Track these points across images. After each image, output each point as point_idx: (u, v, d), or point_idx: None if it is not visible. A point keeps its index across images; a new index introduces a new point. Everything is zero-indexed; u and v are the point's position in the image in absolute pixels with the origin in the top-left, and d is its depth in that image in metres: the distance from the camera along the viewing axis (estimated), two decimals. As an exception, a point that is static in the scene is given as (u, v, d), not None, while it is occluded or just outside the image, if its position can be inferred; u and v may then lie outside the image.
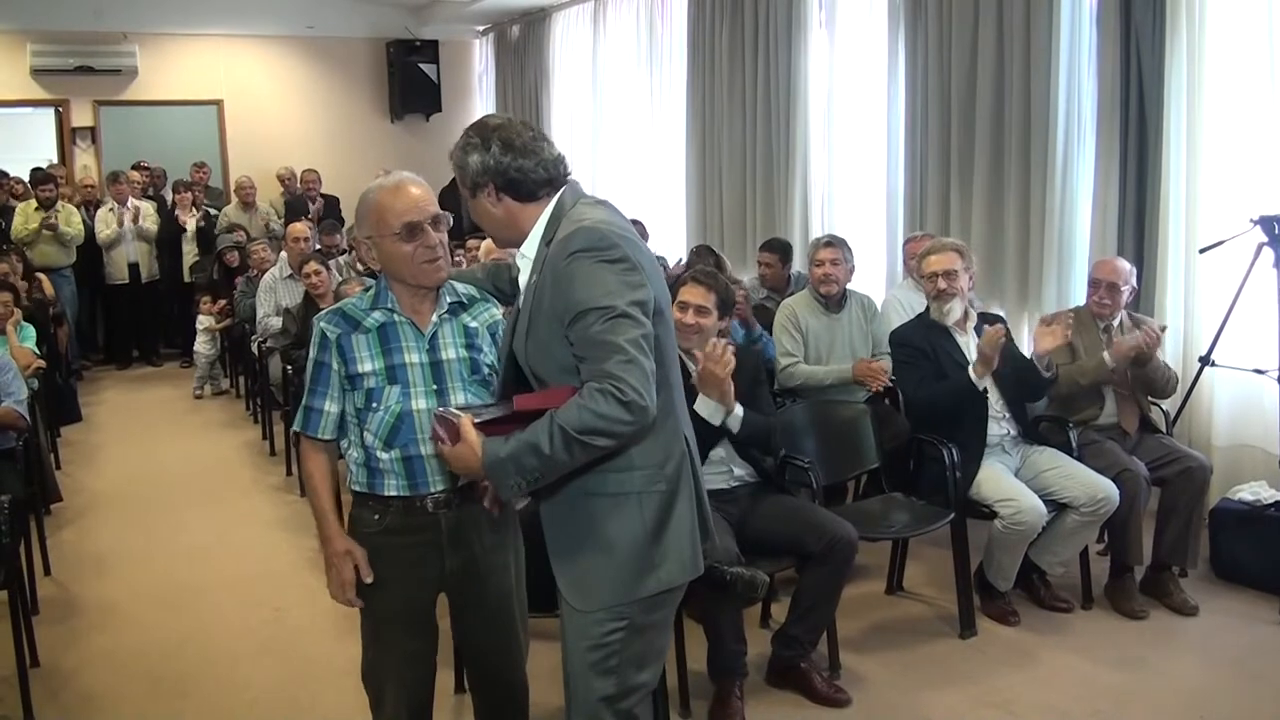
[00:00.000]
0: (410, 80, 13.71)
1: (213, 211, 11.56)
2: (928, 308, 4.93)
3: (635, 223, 8.06)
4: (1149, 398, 5.11)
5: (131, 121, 12.84)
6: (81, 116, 12.66)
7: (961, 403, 4.65)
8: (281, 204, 12.05)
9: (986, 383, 4.64)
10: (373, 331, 2.85)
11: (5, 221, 10.44)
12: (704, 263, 6.58)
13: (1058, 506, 4.59)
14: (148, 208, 11.09)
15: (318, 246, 8.59)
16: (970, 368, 4.64)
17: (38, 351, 6.86)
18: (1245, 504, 4.97)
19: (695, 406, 3.80)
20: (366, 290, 2.94)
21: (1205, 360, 5.23)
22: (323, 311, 2.98)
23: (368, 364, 2.83)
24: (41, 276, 9.24)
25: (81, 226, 10.59)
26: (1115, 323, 5.07)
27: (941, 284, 4.79)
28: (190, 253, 11.30)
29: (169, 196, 11.81)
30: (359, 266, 8.06)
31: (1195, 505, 4.78)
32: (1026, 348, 5.16)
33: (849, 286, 5.77)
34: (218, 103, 13.29)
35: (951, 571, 4.68)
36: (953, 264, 4.79)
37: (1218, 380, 5.45)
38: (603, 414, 2.27)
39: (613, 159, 11.42)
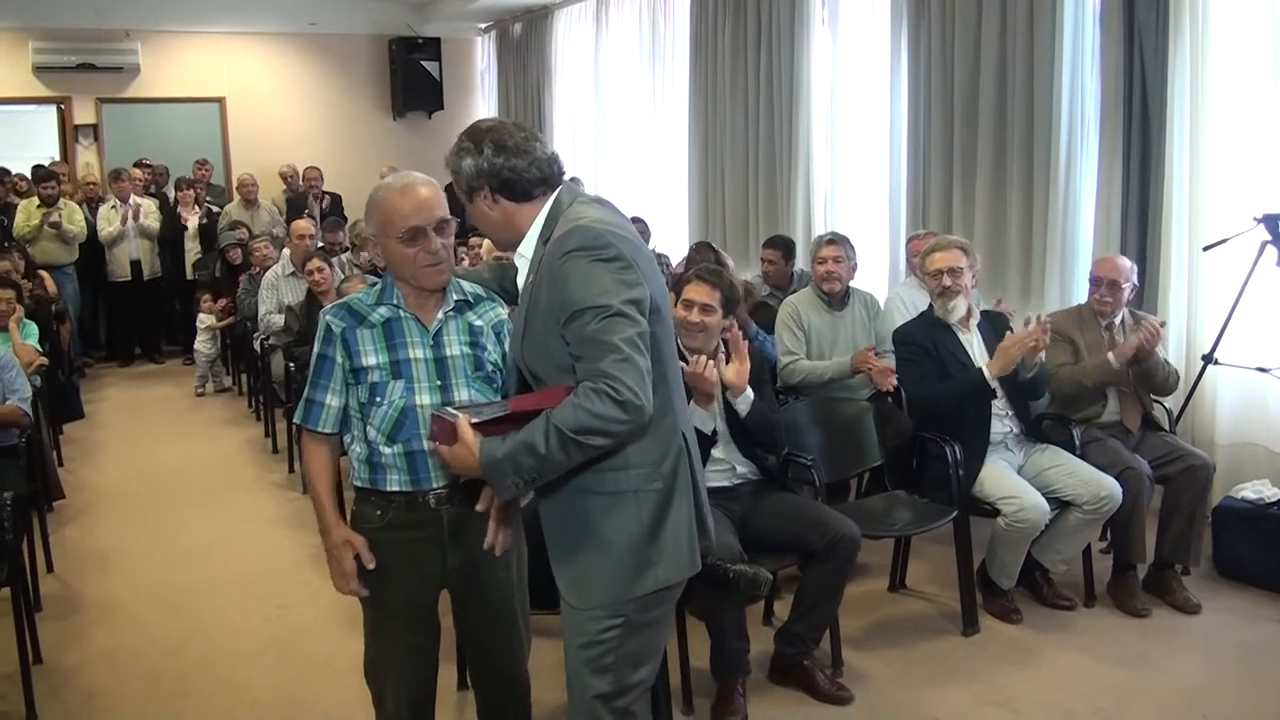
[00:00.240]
0: (412, 78, 13.72)
1: (215, 209, 11.56)
2: (931, 305, 4.92)
3: (637, 220, 8.12)
4: (1151, 395, 5.10)
5: (134, 119, 12.85)
6: (84, 114, 12.68)
7: (969, 400, 4.65)
8: (283, 201, 12.05)
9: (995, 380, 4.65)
10: (378, 326, 2.86)
11: (7, 219, 10.45)
12: (705, 259, 6.59)
13: (1060, 504, 4.59)
14: (149, 205, 11.10)
15: (320, 244, 8.58)
16: (985, 366, 4.64)
17: (40, 349, 6.86)
18: (1248, 502, 4.97)
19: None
20: (373, 285, 2.96)
21: (1208, 358, 5.22)
22: (329, 305, 2.98)
23: (372, 358, 2.84)
24: (44, 274, 9.25)
25: (84, 224, 10.59)
26: (1117, 321, 5.07)
27: (946, 281, 4.78)
28: (192, 250, 11.30)
29: (171, 194, 11.80)
30: (360, 264, 8.08)
31: (1198, 503, 4.77)
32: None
33: (852, 284, 5.77)
34: (220, 100, 13.32)
35: (954, 569, 4.68)
36: (957, 261, 4.79)
37: (1221, 378, 5.44)
38: (598, 413, 2.28)
39: (615, 157, 11.42)
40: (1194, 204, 5.60)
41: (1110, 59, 5.94)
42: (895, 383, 5.26)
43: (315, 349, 2.90)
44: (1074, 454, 4.73)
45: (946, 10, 6.94)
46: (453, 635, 3.17)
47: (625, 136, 11.19)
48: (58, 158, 12.46)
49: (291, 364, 6.98)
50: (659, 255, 7.95)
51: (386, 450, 2.84)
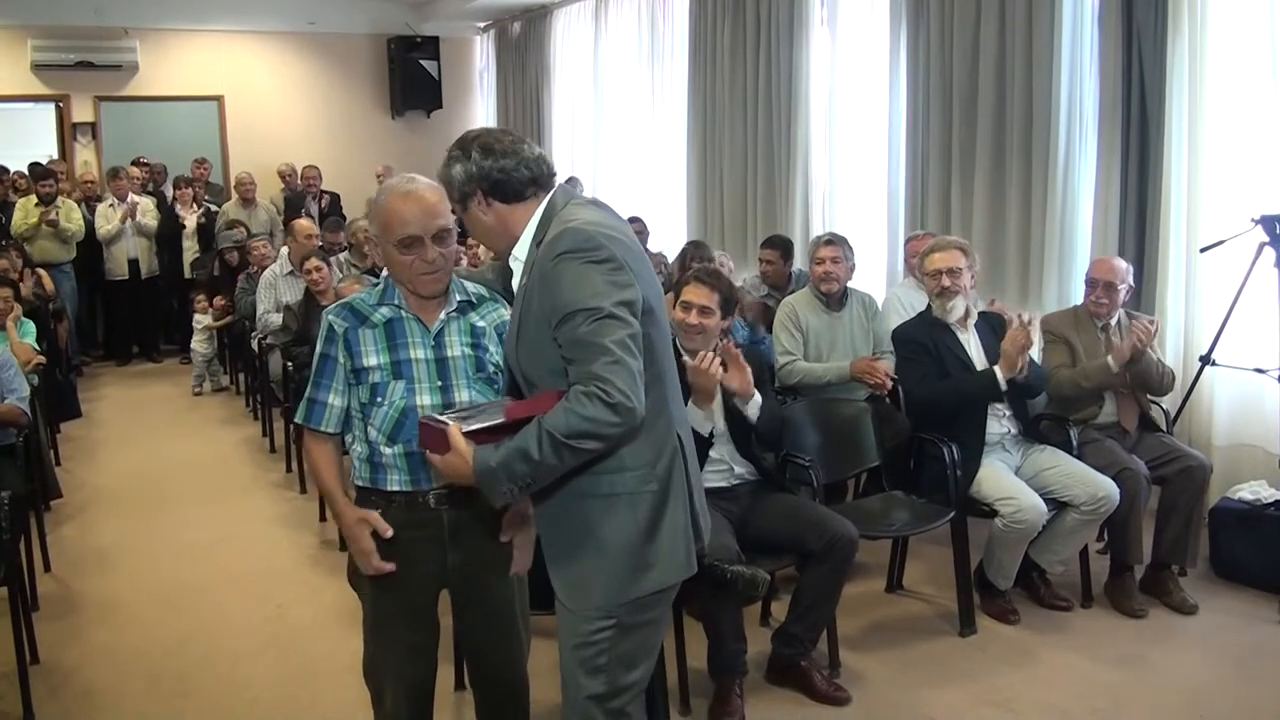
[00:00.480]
0: (411, 76, 13.72)
1: (213, 208, 11.55)
2: (929, 305, 4.93)
3: (635, 220, 8.14)
4: (1147, 395, 5.11)
5: (132, 117, 12.84)
6: (82, 112, 12.67)
7: (977, 400, 4.66)
8: (282, 200, 12.05)
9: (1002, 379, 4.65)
10: (379, 326, 2.87)
11: (5, 217, 10.44)
12: (699, 258, 6.60)
13: (1058, 505, 4.60)
14: (147, 203, 11.09)
15: (320, 244, 8.57)
16: (995, 367, 4.64)
17: (38, 347, 6.85)
18: (1245, 503, 4.97)
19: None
20: (375, 285, 2.97)
21: (1206, 359, 5.23)
22: (331, 305, 2.99)
23: (373, 358, 2.84)
24: (42, 272, 9.23)
25: (81, 222, 10.58)
26: (1113, 322, 5.07)
27: (945, 281, 4.79)
28: (190, 249, 11.29)
29: (169, 192, 11.80)
30: (359, 264, 8.08)
31: (1195, 504, 4.78)
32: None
33: (850, 285, 5.77)
34: (218, 99, 13.31)
35: (951, 570, 4.68)
36: (956, 262, 4.80)
37: (1218, 379, 5.45)
38: (590, 417, 2.28)
39: (614, 156, 11.42)
40: (1192, 205, 5.61)
41: (1109, 60, 5.95)
42: (888, 383, 5.29)
43: (318, 348, 2.91)
44: (1071, 455, 4.74)
45: (945, 11, 6.94)
46: (450, 635, 3.17)
47: (624, 136, 11.18)
48: (56, 156, 12.45)
49: (289, 363, 6.98)
50: (654, 254, 7.96)
51: (387, 450, 2.85)
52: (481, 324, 2.94)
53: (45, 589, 5.22)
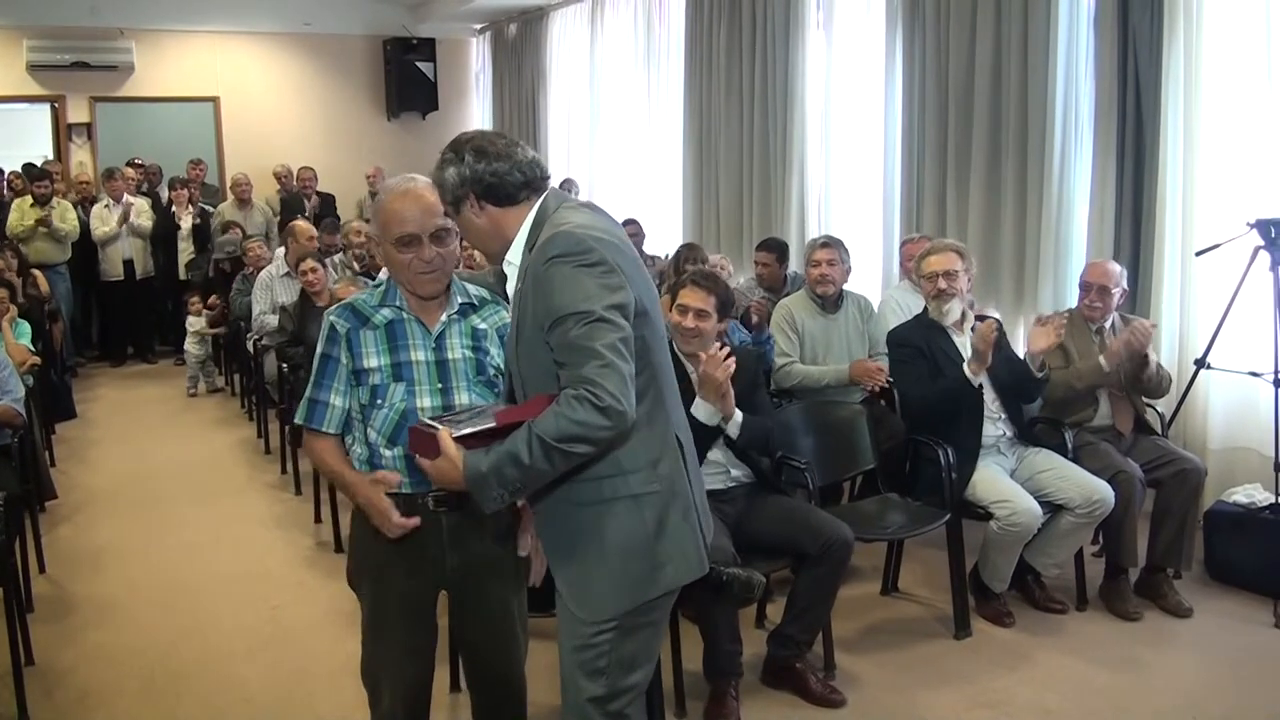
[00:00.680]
0: (407, 78, 13.70)
1: (208, 209, 11.54)
2: (925, 308, 4.94)
3: (630, 223, 8.14)
4: (1143, 398, 5.12)
5: (127, 118, 12.82)
6: (77, 112, 12.65)
7: (958, 402, 4.66)
8: (277, 201, 12.04)
9: (982, 379, 4.65)
10: (380, 328, 2.87)
11: (1, 218, 10.42)
12: (692, 260, 6.60)
13: (1053, 508, 4.60)
14: (143, 204, 11.08)
15: (318, 245, 8.55)
16: (965, 365, 4.65)
17: (33, 348, 6.85)
18: (1240, 506, 4.98)
19: (692, 409, 3.82)
20: (376, 286, 2.97)
21: (1201, 363, 5.23)
22: (333, 306, 2.99)
23: (374, 360, 2.85)
24: (37, 273, 9.22)
25: (76, 223, 10.58)
26: (1107, 325, 5.08)
27: (941, 284, 4.80)
28: (186, 250, 11.28)
29: (165, 193, 11.79)
30: (354, 266, 8.08)
31: (1189, 507, 4.79)
32: (1022, 348, 5.17)
33: (846, 287, 5.78)
34: (214, 100, 13.28)
35: (947, 572, 4.69)
36: (953, 264, 4.81)
37: (1213, 383, 5.45)
38: (580, 420, 2.27)
39: (610, 158, 11.42)
40: (1187, 208, 5.61)
41: (1104, 63, 5.96)
42: (884, 381, 5.29)
43: (319, 348, 2.90)
44: (1066, 457, 4.74)
45: (941, 14, 6.95)
46: (446, 636, 3.16)
47: (620, 138, 11.19)
48: (51, 157, 12.44)
49: (284, 365, 6.97)
50: (649, 256, 7.97)
51: (387, 453, 2.85)
52: (483, 326, 2.94)
53: (40, 590, 5.22)
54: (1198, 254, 5.36)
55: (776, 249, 6.81)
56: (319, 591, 5.19)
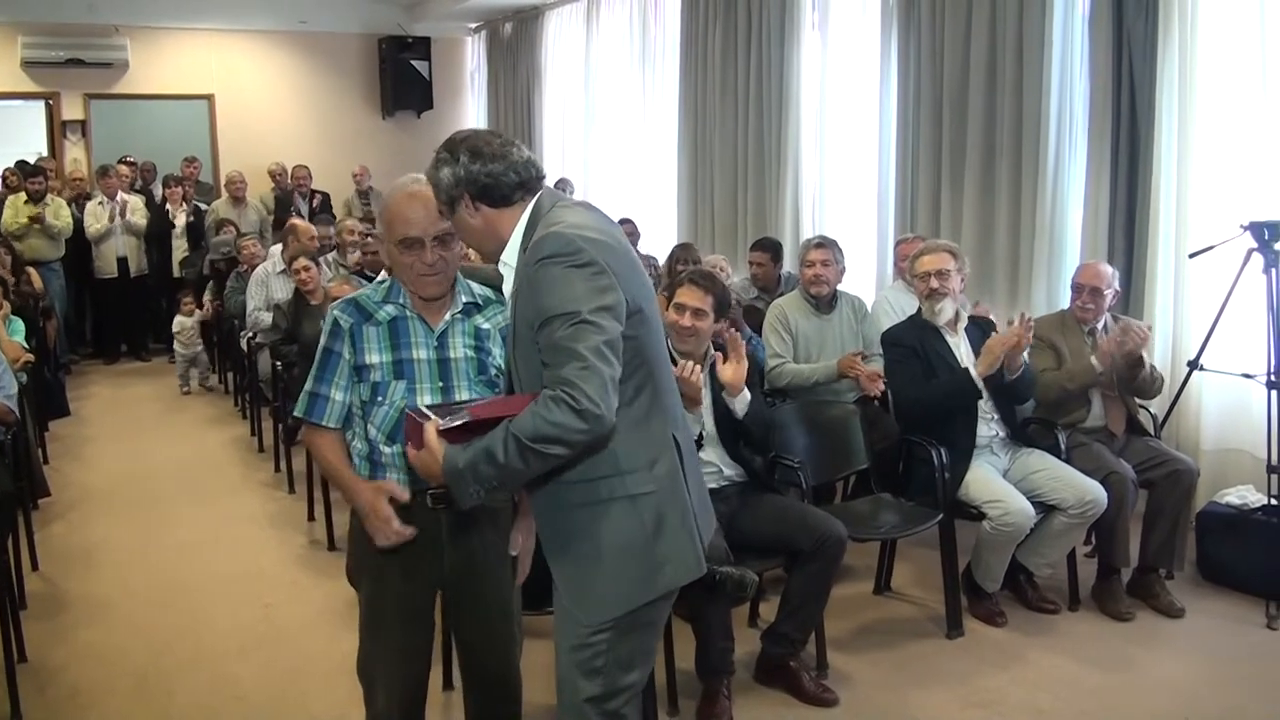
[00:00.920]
0: (402, 77, 13.71)
1: (202, 207, 11.53)
2: (919, 308, 4.94)
3: (626, 222, 8.14)
4: (1136, 399, 5.13)
5: (122, 115, 12.82)
6: (72, 109, 12.64)
7: (956, 401, 4.67)
8: (272, 199, 12.02)
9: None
10: (384, 325, 2.87)
11: (-4, 215, 10.42)
12: (686, 260, 6.60)
13: (1045, 508, 4.61)
14: (136, 202, 11.07)
15: (319, 245, 8.52)
16: (972, 366, 4.65)
17: (26, 345, 6.83)
18: (1232, 508, 4.99)
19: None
20: (381, 283, 2.97)
21: (1194, 364, 5.24)
22: (337, 300, 2.99)
23: (375, 356, 2.84)
24: (30, 270, 9.19)
25: (70, 220, 10.57)
26: (1099, 326, 5.09)
27: (934, 284, 4.81)
28: (180, 248, 11.28)
29: (159, 191, 11.78)
30: (346, 264, 8.06)
31: (1182, 508, 4.80)
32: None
33: (839, 288, 5.78)
34: (209, 97, 13.28)
35: (939, 572, 4.70)
36: (945, 264, 4.82)
37: (1206, 384, 5.47)
38: (556, 422, 2.27)
39: (604, 158, 11.42)
40: (1180, 210, 5.63)
41: (1099, 64, 5.97)
42: (882, 388, 5.29)
43: (321, 342, 2.90)
44: (1059, 458, 4.75)
45: (936, 15, 6.96)
46: (440, 635, 3.16)
47: (615, 138, 11.19)
48: (46, 154, 12.42)
49: (278, 362, 6.97)
50: (646, 257, 7.96)
51: (386, 450, 2.85)
52: (486, 326, 2.94)
53: (33, 588, 5.21)
54: (1191, 256, 5.38)
55: (771, 249, 6.82)
56: (312, 590, 5.19)
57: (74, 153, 12.60)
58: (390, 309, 2.89)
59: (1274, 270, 4.86)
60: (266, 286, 8.07)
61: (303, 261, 7.23)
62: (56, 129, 12.63)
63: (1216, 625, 4.64)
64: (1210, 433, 5.54)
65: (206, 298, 9.90)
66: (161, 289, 11.39)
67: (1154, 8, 5.64)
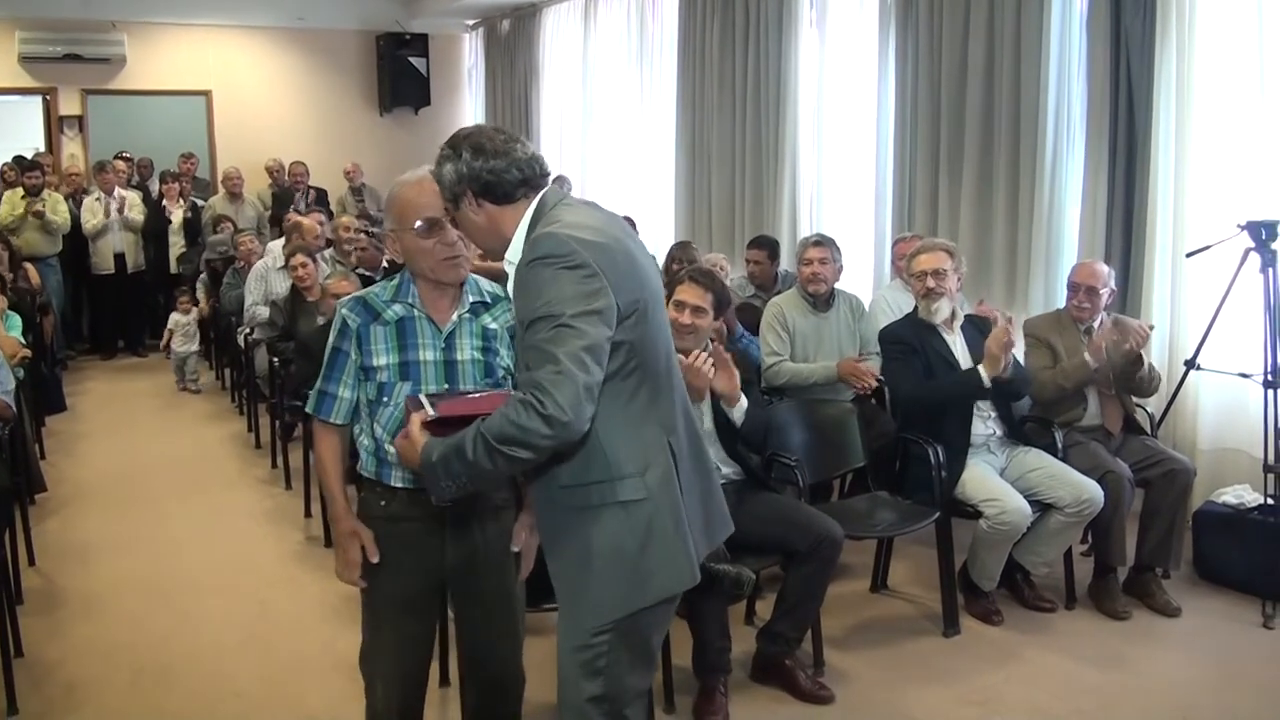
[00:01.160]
0: (400, 73, 13.70)
1: (199, 203, 11.52)
2: (916, 307, 4.95)
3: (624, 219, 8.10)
4: (1133, 398, 5.13)
5: (119, 111, 12.80)
6: (69, 105, 12.63)
7: (957, 398, 4.68)
8: (269, 196, 12.02)
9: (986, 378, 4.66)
10: (391, 325, 2.86)
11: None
12: (684, 260, 6.60)
13: (1042, 507, 4.61)
14: (134, 198, 11.06)
15: (324, 244, 8.51)
16: (979, 366, 4.65)
17: (23, 341, 6.83)
18: (1229, 507, 4.99)
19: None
20: (390, 280, 2.96)
21: (1190, 364, 5.25)
22: (345, 298, 2.99)
23: (382, 357, 2.84)
24: (28, 265, 9.19)
25: (67, 215, 10.56)
26: (1096, 325, 5.09)
27: (930, 283, 4.81)
28: (177, 244, 11.28)
29: (155, 187, 11.76)
30: (343, 261, 8.06)
31: (1178, 507, 4.81)
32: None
33: (837, 286, 5.78)
34: (206, 93, 13.26)
35: (936, 570, 4.70)
36: (942, 263, 4.82)
37: (1203, 383, 5.47)
38: (521, 425, 2.26)
39: (602, 155, 11.41)
40: (1178, 210, 5.63)
41: (1096, 63, 5.97)
42: (874, 383, 5.30)
43: (330, 340, 2.91)
44: (1056, 457, 4.76)
45: (934, 13, 6.96)
46: (439, 630, 3.16)
47: (612, 135, 11.18)
48: (43, 149, 12.40)
49: (275, 359, 6.96)
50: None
51: (391, 449, 2.83)
52: (494, 326, 2.92)
53: (29, 583, 5.21)
54: (1188, 255, 5.38)
55: (768, 246, 6.82)
56: (309, 586, 5.18)
57: (71, 148, 12.58)
58: (398, 308, 2.87)
59: (1271, 270, 4.86)
60: (266, 281, 8.07)
61: (300, 258, 7.23)
62: (54, 124, 12.61)
63: (1213, 624, 4.65)
64: (1207, 432, 5.55)
65: (200, 292, 9.89)
66: (158, 285, 11.39)
67: (1151, 7, 5.64)
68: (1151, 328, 5.08)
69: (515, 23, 13.01)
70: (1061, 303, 5.40)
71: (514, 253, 2.55)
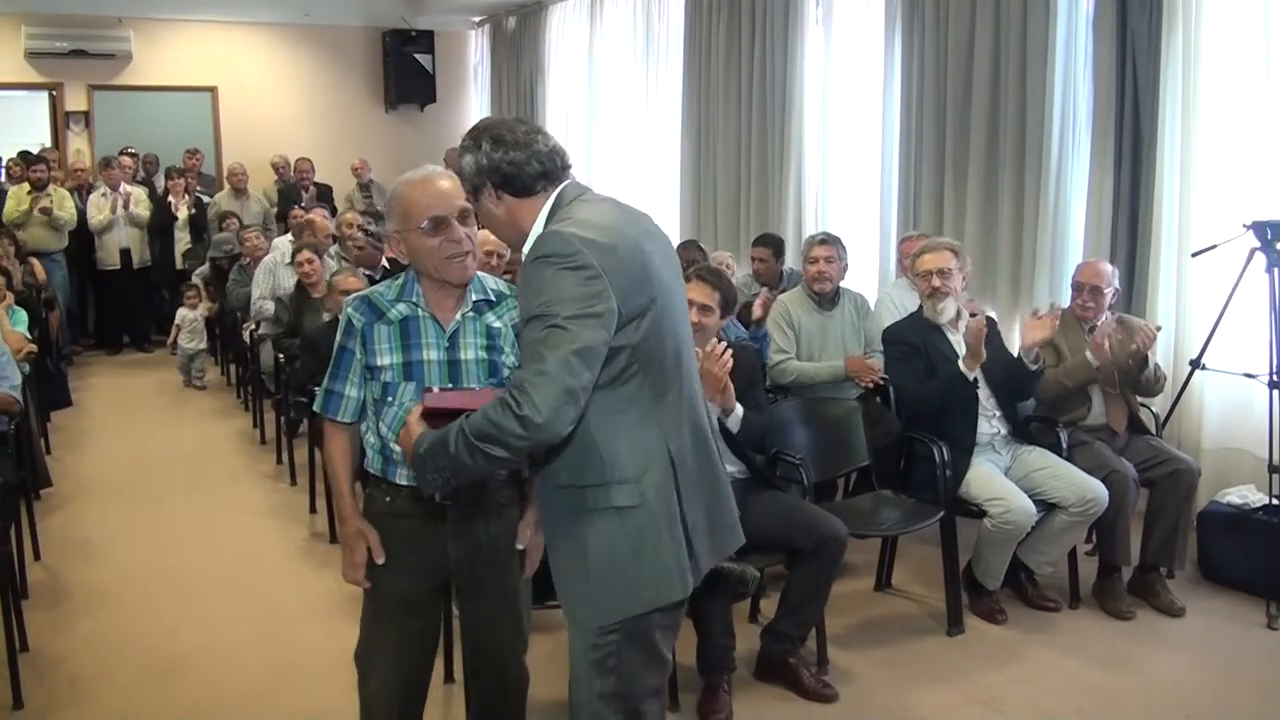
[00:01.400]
0: (405, 70, 13.71)
1: (205, 198, 11.52)
2: (921, 306, 4.94)
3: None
4: (1138, 397, 5.13)
5: (125, 107, 12.82)
6: (75, 100, 12.65)
7: (952, 397, 4.67)
8: (275, 192, 12.02)
9: (977, 375, 4.65)
10: (395, 324, 2.86)
11: (-2, 204, 10.42)
12: (690, 259, 6.59)
13: (1047, 506, 4.61)
14: (139, 193, 11.08)
15: (335, 242, 8.51)
16: (960, 360, 4.66)
17: (29, 336, 6.84)
18: (1233, 507, 4.99)
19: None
20: (395, 279, 2.95)
21: (1196, 363, 5.24)
22: (351, 296, 2.99)
23: (386, 357, 2.84)
24: (33, 260, 9.20)
25: (74, 210, 10.58)
26: (1100, 324, 5.09)
27: (935, 282, 4.81)
28: (182, 240, 11.30)
29: (161, 183, 11.77)
30: (348, 257, 8.06)
31: (1183, 507, 4.80)
32: (1017, 347, 5.18)
33: (842, 284, 5.79)
34: (212, 89, 13.28)
35: (940, 569, 4.70)
36: (947, 263, 4.82)
37: (1208, 383, 5.47)
38: (496, 424, 2.26)
39: (608, 153, 11.41)
40: (1184, 209, 5.63)
41: (1102, 63, 5.97)
42: (879, 378, 5.31)
43: (337, 339, 2.91)
44: (1061, 456, 4.75)
45: (940, 12, 6.95)
46: (443, 627, 3.16)
47: (618, 132, 11.18)
48: (49, 144, 12.43)
49: (281, 355, 6.97)
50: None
51: (396, 447, 2.82)
52: (498, 325, 2.91)
53: (35, 578, 5.22)
54: (1194, 255, 5.37)
55: (773, 244, 6.83)
56: (314, 582, 5.19)
57: (77, 144, 12.60)
58: (402, 308, 2.87)
59: (1276, 270, 4.85)
60: (274, 276, 8.08)
61: (306, 254, 7.24)
62: (59, 120, 12.64)
63: (1217, 625, 4.65)
64: (1212, 432, 5.55)
65: (199, 284, 9.90)
66: (164, 281, 11.41)
67: (1158, 7, 5.64)
68: (1159, 329, 5.08)
69: (521, 20, 13.02)
70: (1065, 302, 5.41)
71: (530, 246, 2.54)
